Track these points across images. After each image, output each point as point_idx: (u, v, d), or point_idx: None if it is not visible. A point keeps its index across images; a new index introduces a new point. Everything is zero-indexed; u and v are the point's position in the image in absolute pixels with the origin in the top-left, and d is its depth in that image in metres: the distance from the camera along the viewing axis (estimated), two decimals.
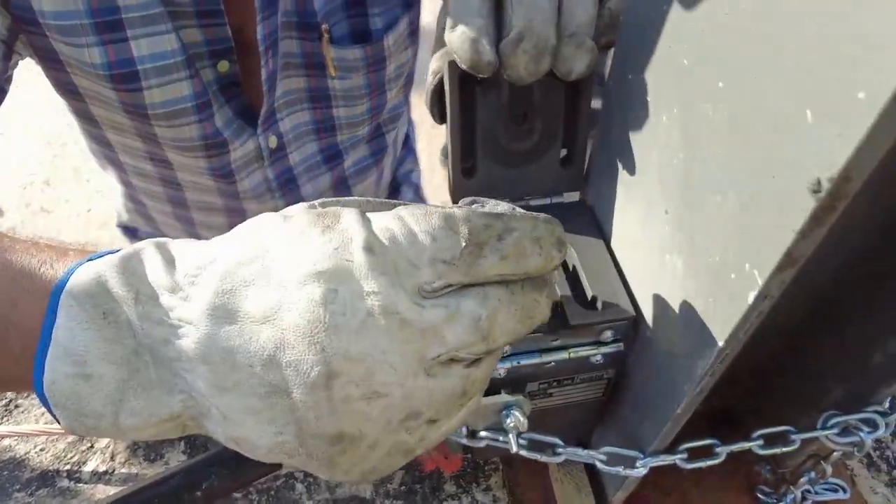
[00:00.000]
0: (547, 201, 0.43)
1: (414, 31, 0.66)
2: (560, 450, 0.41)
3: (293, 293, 0.24)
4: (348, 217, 0.26)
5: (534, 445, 0.42)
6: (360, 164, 0.77)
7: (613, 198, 0.39)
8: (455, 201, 0.44)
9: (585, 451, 0.41)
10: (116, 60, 0.52)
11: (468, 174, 0.41)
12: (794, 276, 0.24)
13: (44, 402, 0.26)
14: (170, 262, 0.27)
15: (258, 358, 0.24)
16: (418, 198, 1.00)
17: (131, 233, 0.85)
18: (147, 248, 0.27)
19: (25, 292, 0.27)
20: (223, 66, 0.57)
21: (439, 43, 0.40)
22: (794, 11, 0.21)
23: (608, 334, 0.38)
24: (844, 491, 0.56)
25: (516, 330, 0.27)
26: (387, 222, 0.26)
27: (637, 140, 0.34)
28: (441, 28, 0.38)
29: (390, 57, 0.65)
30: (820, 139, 0.21)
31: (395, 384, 0.24)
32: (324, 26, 0.58)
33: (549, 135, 0.40)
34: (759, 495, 0.56)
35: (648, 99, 0.32)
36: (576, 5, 0.33)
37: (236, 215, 0.73)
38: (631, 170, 0.36)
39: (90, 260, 0.27)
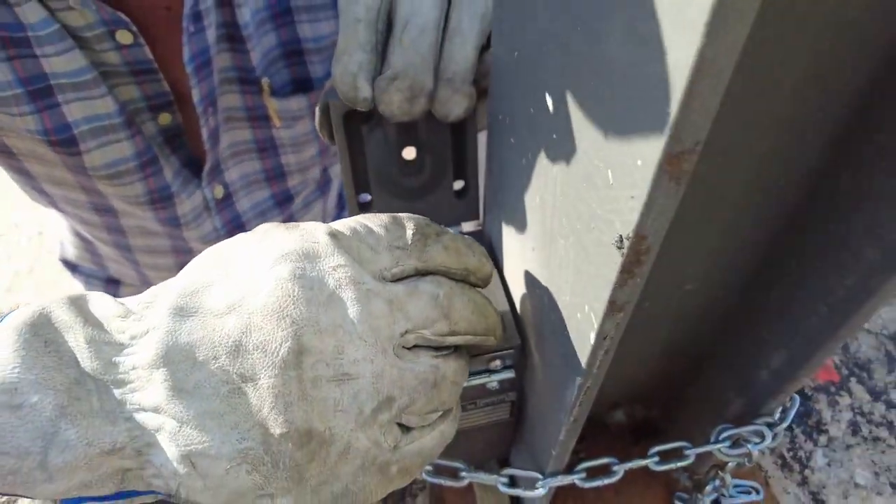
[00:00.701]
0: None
1: None
2: (463, 473, 0.43)
3: (259, 279, 0.25)
4: (309, 221, 0.28)
5: (439, 470, 0.43)
6: (308, 200, 0.78)
7: (500, 230, 0.40)
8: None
9: (487, 475, 0.42)
10: (53, 127, 0.52)
11: (365, 208, 0.42)
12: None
13: None
14: (118, 300, 0.27)
15: (223, 347, 0.24)
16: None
17: (72, 268, 0.85)
18: (93, 292, 0.27)
19: None
20: (165, 118, 0.57)
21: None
22: (595, 79, 0.23)
23: (497, 363, 0.39)
24: (758, 492, 0.58)
25: (473, 321, 0.28)
26: (345, 221, 0.28)
27: (508, 179, 0.36)
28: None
29: None
30: (618, 199, 0.22)
31: (365, 361, 0.24)
32: (264, 80, 0.59)
33: (440, 169, 0.41)
34: (677, 502, 0.58)
35: (512, 141, 0.33)
36: (455, 51, 0.34)
37: (184, 255, 0.73)
38: (507, 206, 0.37)
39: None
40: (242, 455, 0.23)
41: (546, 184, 0.29)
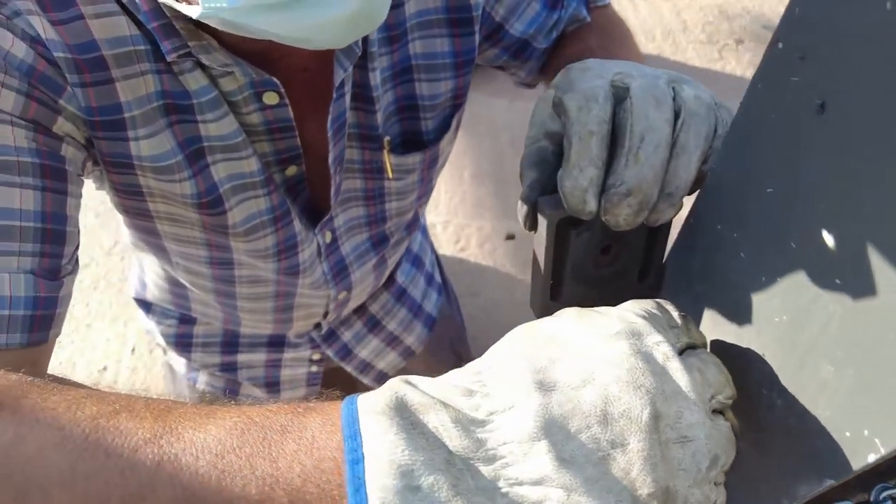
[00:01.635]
0: None
1: (459, 125, 0.68)
2: None
3: (601, 354, 0.28)
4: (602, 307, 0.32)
5: None
6: (398, 240, 0.80)
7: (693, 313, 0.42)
8: (538, 317, 0.47)
9: None
10: (205, 189, 0.54)
11: (555, 297, 0.44)
12: None
13: None
14: (439, 381, 0.29)
15: (594, 417, 0.26)
16: (426, 238, 1.04)
17: (146, 307, 0.87)
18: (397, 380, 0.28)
19: (286, 444, 0.27)
20: (291, 170, 0.59)
21: (535, 147, 0.42)
22: None
23: None
24: None
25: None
26: (632, 305, 0.32)
27: (729, 288, 0.37)
28: (536, 129, 0.41)
29: (442, 154, 0.67)
30: None
31: (699, 425, 0.27)
32: (386, 138, 0.60)
33: (633, 261, 0.43)
34: None
35: (743, 256, 0.35)
36: (681, 169, 0.36)
37: (284, 299, 0.75)
38: (718, 305, 0.39)
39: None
40: None
41: (810, 311, 0.31)
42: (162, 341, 0.93)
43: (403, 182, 0.67)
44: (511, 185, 1.73)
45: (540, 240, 0.40)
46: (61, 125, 0.46)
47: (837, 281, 0.29)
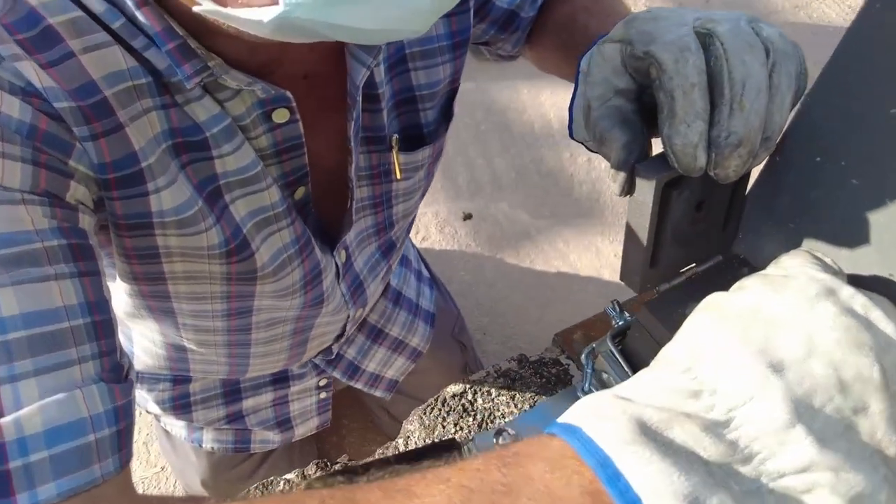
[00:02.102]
0: (709, 264, 0.46)
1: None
2: None
3: (812, 320, 0.26)
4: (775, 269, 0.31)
5: None
6: (401, 242, 0.76)
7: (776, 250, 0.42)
8: (640, 290, 0.45)
9: None
10: (231, 233, 0.48)
11: (654, 264, 0.43)
12: None
13: None
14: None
15: (833, 388, 0.25)
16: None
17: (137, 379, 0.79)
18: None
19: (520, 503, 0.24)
20: (300, 192, 0.54)
21: (609, 107, 0.40)
22: None
23: None
24: None
25: None
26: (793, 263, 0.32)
27: (845, 218, 0.37)
28: (602, 88, 0.39)
29: (444, 143, 0.64)
30: None
31: None
32: (394, 136, 0.56)
33: (718, 213, 0.43)
34: None
35: (856, 182, 0.35)
36: (776, 112, 0.35)
37: (300, 334, 0.69)
38: (832, 238, 0.39)
39: None
40: (886, 482, 0.24)
41: None
42: (155, 408, 0.84)
43: (411, 181, 0.63)
44: (457, 165, 1.71)
45: (640, 207, 0.38)
46: (74, 191, 0.39)
47: None
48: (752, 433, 0.24)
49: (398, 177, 0.60)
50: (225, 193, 0.48)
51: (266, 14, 0.29)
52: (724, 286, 0.43)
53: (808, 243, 0.40)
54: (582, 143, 0.45)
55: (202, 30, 0.39)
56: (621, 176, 0.39)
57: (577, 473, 0.24)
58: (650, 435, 0.24)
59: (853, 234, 0.37)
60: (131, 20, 0.38)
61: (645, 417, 0.25)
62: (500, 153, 1.76)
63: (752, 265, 0.46)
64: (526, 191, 1.69)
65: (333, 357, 0.88)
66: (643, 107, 0.40)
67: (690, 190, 0.39)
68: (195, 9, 0.32)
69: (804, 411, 0.24)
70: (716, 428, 0.25)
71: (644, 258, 0.41)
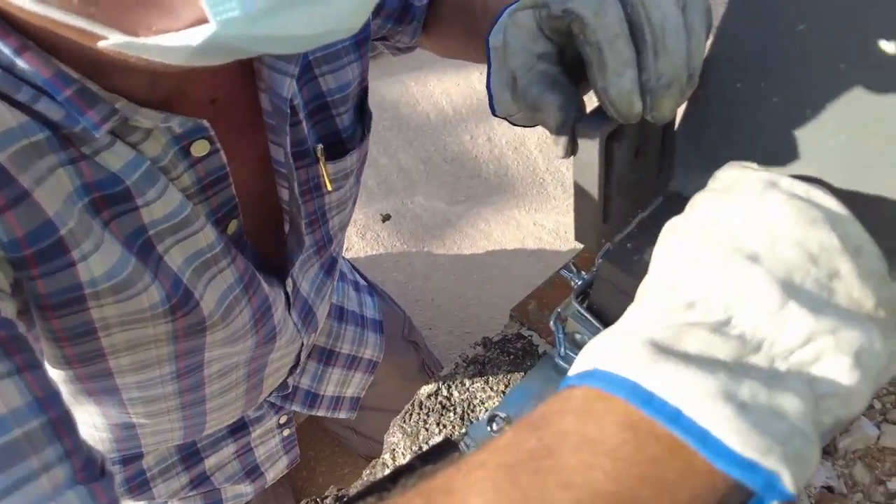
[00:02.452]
0: (652, 207, 0.47)
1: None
2: None
3: (765, 212, 0.28)
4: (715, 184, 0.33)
5: None
6: (338, 257, 0.73)
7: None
8: (597, 247, 0.46)
9: None
10: (171, 287, 0.43)
11: (606, 219, 0.43)
12: None
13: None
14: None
15: (806, 263, 0.26)
16: None
17: None
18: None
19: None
20: (232, 226, 0.50)
21: (535, 73, 0.40)
22: None
23: None
24: None
25: None
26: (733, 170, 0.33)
27: (772, 133, 0.40)
28: (523, 56, 0.39)
29: (368, 145, 0.61)
30: None
31: (863, 234, 0.28)
32: (318, 147, 0.53)
33: (654, 157, 0.44)
34: None
35: (787, 93, 0.37)
36: (694, 49, 0.36)
37: (255, 376, 0.65)
38: (760, 155, 0.41)
39: None
40: (876, 331, 0.26)
41: (871, 120, 0.34)
42: None
43: (342, 191, 0.61)
44: (364, 168, 1.68)
45: (586, 165, 0.39)
46: None
47: None
48: (753, 322, 0.26)
49: (329, 188, 0.57)
50: (157, 244, 0.43)
51: (195, 36, 0.25)
52: None
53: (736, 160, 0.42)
54: (506, 119, 0.45)
55: (98, 69, 0.35)
56: (563, 139, 0.39)
57: (608, 413, 0.25)
58: (665, 352, 0.25)
59: (780, 151, 0.39)
60: (9, 70, 0.33)
61: (654, 338, 0.26)
62: (404, 148, 1.75)
63: (688, 198, 0.48)
64: (437, 180, 1.69)
65: (289, 391, 0.84)
66: (567, 66, 0.41)
67: (629, 139, 0.40)
68: (101, 44, 0.28)
69: (790, 290, 0.26)
70: (721, 328, 0.26)
71: (597, 215, 0.42)
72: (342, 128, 0.58)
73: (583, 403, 0.26)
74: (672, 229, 0.31)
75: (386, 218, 1.58)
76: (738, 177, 0.31)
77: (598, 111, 0.38)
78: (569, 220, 1.59)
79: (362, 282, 1.02)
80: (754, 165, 0.34)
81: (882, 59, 0.32)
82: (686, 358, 0.25)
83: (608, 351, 0.27)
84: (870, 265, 0.28)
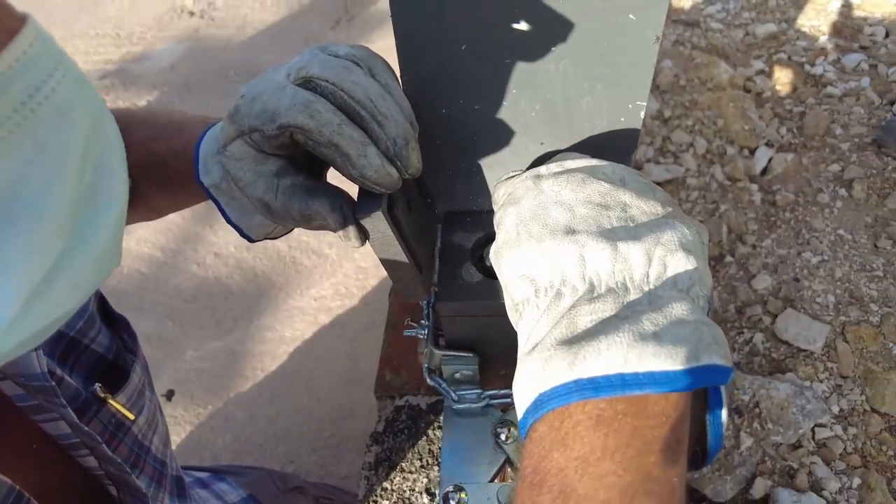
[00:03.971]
0: (438, 236, 0.50)
1: None
2: None
3: (547, 196, 0.34)
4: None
5: None
6: (177, 470, 0.63)
7: (474, 182, 0.49)
8: (425, 298, 0.47)
9: None
10: None
11: (421, 271, 0.45)
12: None
13: None
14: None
15: (602, 211, 0.33)
16: None
17: None
18: None
19: None
20: None
21: (287, 186, 0.41)
22: None
23: None
24: None
25: None
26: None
27: (483, 133, 0.45)
28: (263, 184, 0.39)
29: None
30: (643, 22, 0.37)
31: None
32: (96, 386, 0.44)
33: (418, 199, 0.47)
34: None
35: (484, 103, 0.43)
36: (400, 101, 0.38)
37: None
38: (479, 154, 0.46)
39: None
40: (679, 219, 0.33)
41: (550, 82, 0.41)
42: None
43: (147, 408, 0.53)
44: None
45: (383, 240, 0.39)
46: None
47: (555, 46, 0.39)
48: (608, 274, 0.30)
49: (132, 417, 0.49)
50: None
51: None
52: (464, 239, 0.49)
53: (479, 166, 0.48)
54: (266, 238, 0.46)
55: None
56: (350, 231, 0.39)
57: (576, 424, 0.28)
58: (573, 342, 0.28)
59: (505, 140, 0.45)
60: None
61: (557, 338, 0.29)
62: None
63: (460, 211, 0.52)
64: (194, 325, 1.54)
65: None
66: (306, 169, 0.41)
67: (400, 199, 0.42)
68: None
69: (609, 235, 0.31)
70: (592, 294, 0.30)
71: (414, 271, 0.43)
72: (104, 351, 0.49)
73: (553, 433, 0.28)
74: (497, 253, 0.35)
75: (170, 395, 1.39)
76: (512, 186, 0.36)
77: (363, 191, 0.39)
78: (339, 277, 1.59)
79: (203, 473, 0.89)
80: (510, 172, 0.39)
81: (522, 35, 0.39)
82: (590, 334, 0.28)
83: (535, 375, 0.29)
84: (636, 184, 0.35)
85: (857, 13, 1.33)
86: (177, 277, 1.62)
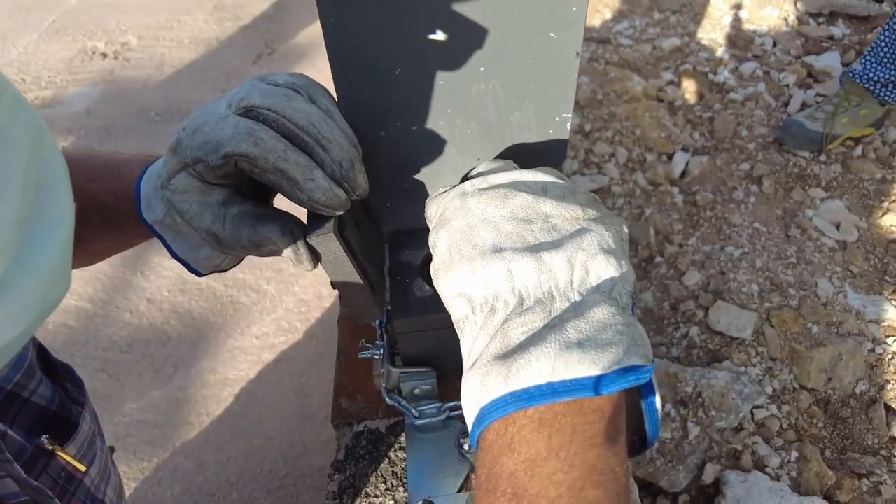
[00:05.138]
0: (387, 252, 0.51)
1: None
2: None
3: (474, 213, 0.36)
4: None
5: None
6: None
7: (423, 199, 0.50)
8: (378, 318, 0.48)
9: None
10: None
11: (374, 290, 0.45)
12: None
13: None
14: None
15: (526, 226, 0.34)
16: None
17: None
18: None
19: None
20: None
21: (238, 213, 0.41)
22: None
23: None
24: None
25: None
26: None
27: (424, 158, 0.46)
28: (208, 216, 0.39)
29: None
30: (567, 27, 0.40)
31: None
32: (43, 438, 0.42)
33: (364, 219, 0.47)
34: None
35: (416, 127, 0.44)
36: (342, 123, 0.39)
37: None
38: (426, 171, 0.48)
39: None
40: (601, 220, 0.35)
41: (482, 101, 0.43)
42: None
43: (97, 459, 0.50)
44: None
45: (335, 261, 0.40)
46: None
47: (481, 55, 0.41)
48: (534, 286, 0.32)
49: (83, 468, 0.47)
50: None
51: None
52: (412, 256, 0.50)
53: (421, 184, 0.49)
54: (215, 272, 0.45)
55: None
56: (302, 254, 0.39)
57: (520, 430, 0.29)
58: (508, 355, 0.30)
59: (437, 156, 0.47)
60: None
61: (493, 353, 0.30)
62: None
63: (405, 229, 0.54)
64: (136, 377, 1.47)
65: None
66: (250, 194, 0.41)
67: (349, 220, 0.43)
68: None
69: (534, 248, 0.33)
70: (522, 307, 0.31)
71: (366, 291, 0.44)
72: (46, 403, 0.47)
73: (500, 440, 0.29)
74: (435, 275, 0.36)
75: (111, 451, 1.31)
76: (442, 206, 0.37)
77: (313, 215, 0.39)
78: (280, 312, 1.56)
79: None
80: (440, 188, 0.40)
81: (454, 58, 0.41)
82: (522, 347, 0.30)
83: (475, 390, 0.30)
84: (557, 191, 0.36)
85: (748, 26, 1.45)
86: (109, 328, 1.54)
